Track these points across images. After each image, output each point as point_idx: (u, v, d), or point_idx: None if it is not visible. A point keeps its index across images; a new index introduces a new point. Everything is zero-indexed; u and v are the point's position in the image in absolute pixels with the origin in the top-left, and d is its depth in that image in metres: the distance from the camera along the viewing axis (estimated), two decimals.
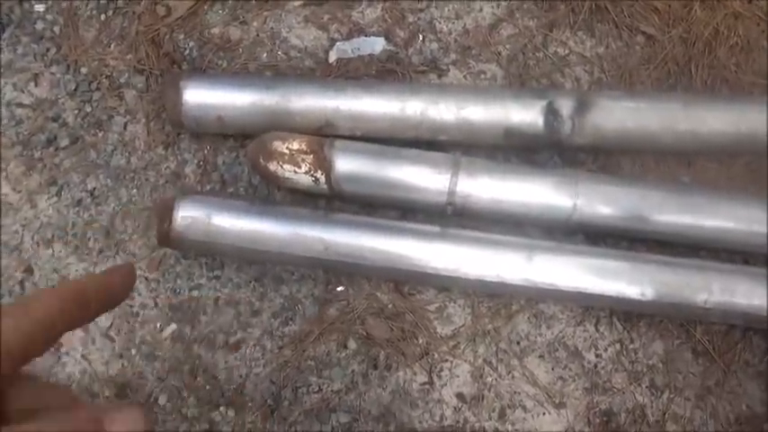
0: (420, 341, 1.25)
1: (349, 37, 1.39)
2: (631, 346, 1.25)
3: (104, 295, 0.42)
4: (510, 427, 1.22)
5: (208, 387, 1.24)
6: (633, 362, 1.25)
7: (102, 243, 1.30)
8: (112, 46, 1.39)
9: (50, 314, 0.36)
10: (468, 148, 1.25)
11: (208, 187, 1.33)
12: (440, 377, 1.24)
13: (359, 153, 1.20)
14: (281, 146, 1.19)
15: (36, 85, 1.37)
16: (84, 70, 1.37)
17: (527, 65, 1.38)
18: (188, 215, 1.17)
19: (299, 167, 1.19)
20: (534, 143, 1.25)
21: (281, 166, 1.19)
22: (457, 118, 1.22)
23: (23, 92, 1.37)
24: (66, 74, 1.37)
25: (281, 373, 1.24)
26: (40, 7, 1.41)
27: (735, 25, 1.36)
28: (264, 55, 1.38)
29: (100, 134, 1.35)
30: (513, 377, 1.24)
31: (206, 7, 1.40)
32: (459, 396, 1.23)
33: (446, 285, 1.26)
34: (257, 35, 1.40)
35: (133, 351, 1.26)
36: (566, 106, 1.21)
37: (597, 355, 1.25)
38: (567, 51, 1.39)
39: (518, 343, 1.26)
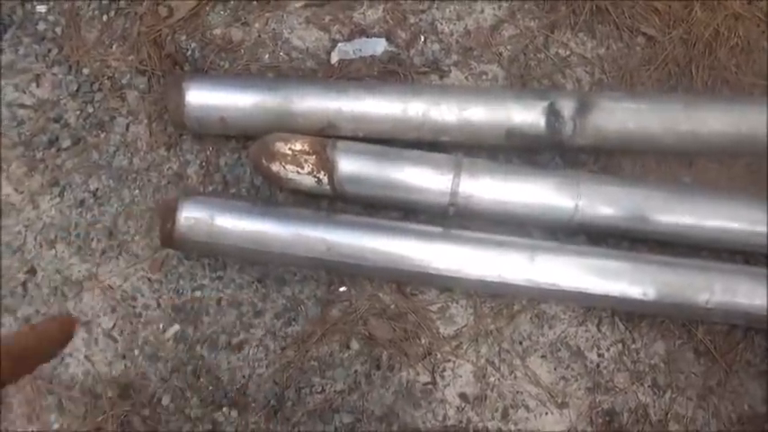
0: (423, 341, 1.25)
1: (350, 38, 1.39)
2: (633, 346, 1.26)
3: (41, 350, 0.42)
4: (513, 427, 1.22)
5: (211, 388, 1.24)
6: (635, 362, 1.25)
7: (105, 244, 1.30)
8: (114, 47, 1.39)
9: None
10: (469, 149, 1.26)
11: (210, 188, 1.33)
12: (443, 377, 1.25)
13: (361, 154, 1.21)
14: (283, 147, 1.20)
15: (38, 86, 1.37)
16: (85, 71, 1.38)
17: (528, 66, 1.38)
18: (191, 216, 1.17)
19: (302, 168, 1.19)
20: (536, 144, 1.25)
21: (284, 167, 1.20)
22: (459, 119, 1.22)
23: (25, 93, 1.37)
24: (67, 75, 1.37)
25: (283, 374, 1.24)
26: (41, 8, 1.41)
27: (735, 26, 1.37)
28: (266, 56, 1.39)
29: (102, 135, 1.35)
30: (515, 377, 1.25)
31: (208, 8, 1.40)
32: (462, 396, 1.24)
33: (448, 286, 1.26)
34: (259, 36, 1.40)
35: (136, 352, 1.26)
36: (567, 107, 1.22)
37: (599, 355, 1.26)
38: (568, 52, 1.39)
39: (520, 343, 1.26)
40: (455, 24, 1.41)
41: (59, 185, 1.33)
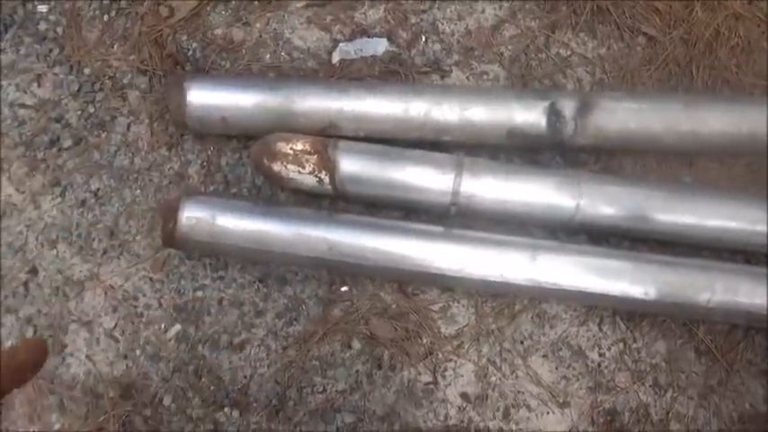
0: (424, 341, 1.26)
1: (352, 38, 1.40)
2: (634, 346, 1.26)
3: (12, 375, 0.42)
4: (514, 427, 1.23)
5: (212, 387, 1.24)
6: (636, 361, 1.25)
7: (107, 244, 1.30)
8: (115, 47, 1.39)
9: None
10: (471, 149, 1.26)
11: (211, 188, 1.33)
12: (444, 377, 1.25)
13: (363, 154, 1.21)
14: (285, 146, 1.20)
15: (39, 86, 1.37)
16: (87, 71, 1.38)
17: (529, 66, 1.39)
18: (193, 216, 1.17)
19: (304, 168, 1.19)
20: (537, 144, 1.25)
21: (286, 167, 1.20)
22: (460, 119, 1.22)
23: (26, 92, 1.37)
24: (69, 74, 1.38)
25: (285, 374, 1.24)
26: (42, 8, 1.41)
27: (735, 26, 1.37)
28: (267, 56, 1.39)
29: (103, 135, 1.35)
30: (516, 377, 1.25)
31: (209, 8, 1.41)
32: (464, 396, 1.24)
33: (450, 285, 1.26)
34: (260, 36, 1.40)
35: (138, 352, 1.26)
36: (568, 107, 1.22)
37: (601, 355, 1.26)
38: (568, 52, 1.40)
39: (522, 342, 1.26)
40: (456, 24, 1.41)
41: (61, 185, 1.33)
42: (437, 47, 1.39)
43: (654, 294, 1.16)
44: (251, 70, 1.37)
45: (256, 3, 1.41)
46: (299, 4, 1.41)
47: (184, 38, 1.39)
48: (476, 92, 1.28)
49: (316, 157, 1.19)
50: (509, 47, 1.40)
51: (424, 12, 1.41)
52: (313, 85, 1.27)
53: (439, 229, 1.21)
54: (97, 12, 1.41)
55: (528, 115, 1.22)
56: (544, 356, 1.26)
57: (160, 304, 1.28)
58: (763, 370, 1.25)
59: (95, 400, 1.24)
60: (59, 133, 1.35)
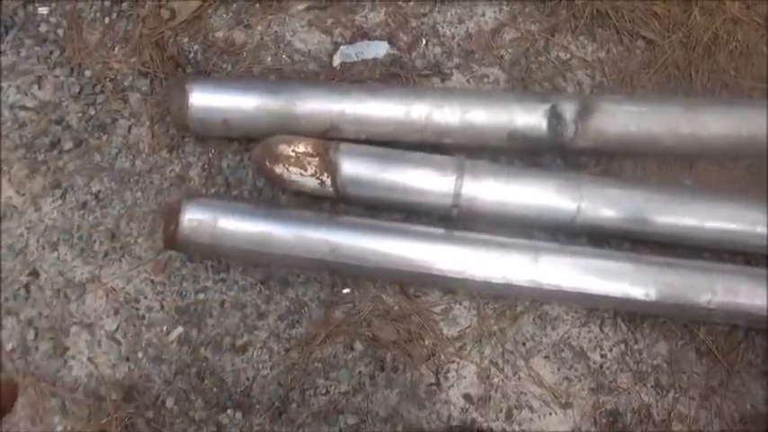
0: (426, 343, 1.26)
1: (353, 41, 1.40)
2: (636, 347, 1.27)
3: None
4: (517, 428, 1.23)
5: (215, 390, 1.24)
6: (638, 362, 1.26)
7: (108, 246, 1.30)
8: (116, 49, 1.39)
9: None
10: (471, 152, 1.26)
11: (212, 190, 1.33)
12: (446, 378, 1.25)
13: (364, 156, 1.21)
14: (286, 149, 1.20)
15: (39, 88, 1.37)
16: (87, 73, 1.37)
17: (529, 69, 1.39)
18: (194, 218, 1.17)
19: (305, 170, 1.20)
20: (538, 146, 1.26)
21: (287, 169, 1.20)
22: (461, 121, 1.23)
23: (27, 95, 1.37)
24: (69, 77, 1.37)
25: (288, 376, 1.24)
26: (43, 10, 1.41)
27: (734, 30, 1.38)
28: (269, 59, 1.39)
29: (104, 137, 1.35)
30: (519, 378, 1.25)
31: (210, 11, 1.41)
32: (466, 397, 1.24)
33: (452, 287, 1.27)
34: (261, 39, 1.40)
35: (140, 354, 1.26)
36: (569, 110, 1.23)
37: (602, 356, 1.26)
38: (568, 55, 1.40)
39: (524, 344, 1.27)
40: (456, 27, 1.42)
41: (61, 188, 1.32)
42: (438, 50, 1.40)
43: (655, 296, 1.17)
44: (252, 73, 1.38)
45: (257, 5, 1.41)
46: (301, 7, 1.42)
47: (186, 40, 1.39)
48: (477, 95, 1.29)
49: (317, 159, 1.19)
50: (509, 50, 1.40)
51: (424, 15, 1.42)
52: (314, 88, 1.27)
53: (440, 231, 1.21)
54: (98, 14, 1.41)
55: (529, 118, 1.22)
56: (546, 358, 1.26)
57: (162, 306, 1.28)
58: (764, 371, 1.25)
59: (97, 403, 1.23)
60: (60, 135, 1.34)
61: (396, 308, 1.27)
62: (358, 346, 1.25)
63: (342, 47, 1.39)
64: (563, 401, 1.24)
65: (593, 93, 1.38)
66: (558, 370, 1.26)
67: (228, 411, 1.22)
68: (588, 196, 1.19)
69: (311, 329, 1.26)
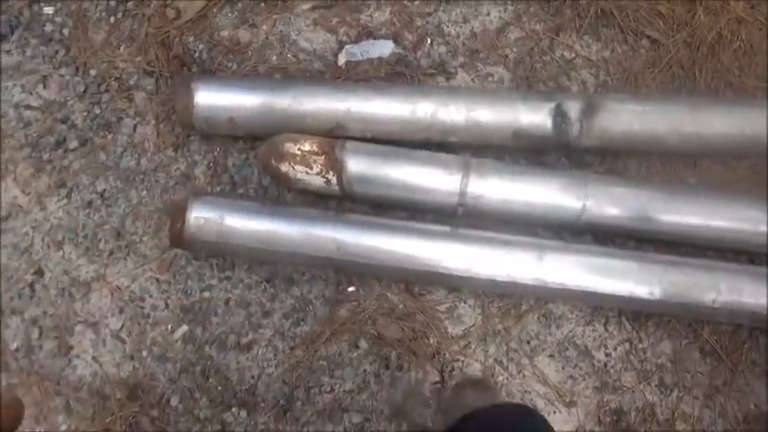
0: (431, 341, 1.26)
1: (358, 40, 1.40)
2: (640, 346, 1.27)
3: None
4: None
5: (220, 388, 1.24)
6: (642, 361, 1.26)
7: (113, 245, 1.30)
8: (122, 48, 1.39)
9: None
10: (477, 150, 1.26)
11: (218, 189, 1.33)
12: (451, 376, 1.25)
13: (370, 154, 1.21)
14: (292, 147, 1.20)
15: (45, 87, 1.37)
16: (93, 72, 1.38)
17: (534, 68, 1.39)
18: (201, 216, 1.17)
19: (311, 168, 1.20)
20: (543, 145, 1.26)
21: (293, 167, 1.20)
22: (467, 120, 1.23)
23: (32, 94, 1.37)
24: (75, 76, 1.38)
25: (293, 374, 1.24)
26: (49, 9, 1.41)
27: (738, 30, 1.39)
28: (274, 57, 1.39)
29: (109, 136, 1.35)
30: (523, 376, 1.25)
31: (215, 10, 1.41)
32: None
33: (457, 285, 1.27)
34: (267, 38, 1.40)
35: (144, 353, 1.26)
36: (573, 109, 1.23)
37: (607, 355, 1.27)
38: (573, 55, 1.41)
39: (528, 342, 1.27)
40: (461, 27, 1.42)
41: (67, 187, 1.33)
42: (442, 49, 1.40)
43: (659, 294, 1.17)
44: (257, 72, 1.38)
45: (263, 5, 1.42)
46: (306, 6, 1.42)
47: (191, 39, 1.39)
48: (482, 93, 1.29)
49: (323, 157, 1.20)
50: (514, 49, 1.41)
51: (429, 14, 1.42)
52: (320, 87, 1.27)
53: (446, 229, 1.21)
54: (103, 13, 1.41)
55: (534, 117, 1.23)
56: (550, 356, 1.26)
57: (167, 305, 1.28)
58: (767, 371, 1.26)
59: (102, 402, 1.23)
60: (65, 134, 1.35)
61: (401, 306, 1.27)
62: (363, 344, 1.25)
63: (347, 46, 1.40)
64: (567, 400, 1.24)
65: (597, 92, 1.38)
66: (563, 368, 1.26)
67: (233, 410, 1.23)
68: (593, 195, 1.19)
69: (316, 327, 1.26)
